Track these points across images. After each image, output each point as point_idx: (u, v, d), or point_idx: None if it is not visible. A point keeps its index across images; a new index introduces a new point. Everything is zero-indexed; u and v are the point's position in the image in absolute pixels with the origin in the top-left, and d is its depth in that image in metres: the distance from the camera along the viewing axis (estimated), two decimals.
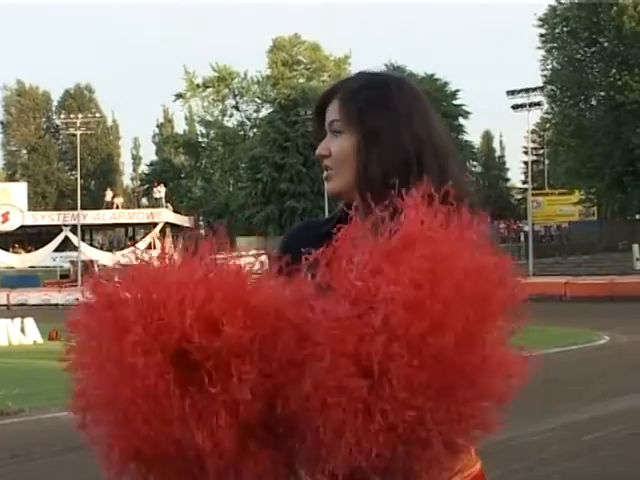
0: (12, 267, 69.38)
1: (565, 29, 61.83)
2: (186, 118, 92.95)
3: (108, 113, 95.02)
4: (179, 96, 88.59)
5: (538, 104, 60.46)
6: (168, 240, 74.98)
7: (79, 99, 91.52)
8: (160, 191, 76.76)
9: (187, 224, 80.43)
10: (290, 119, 71.66)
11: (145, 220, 74.29)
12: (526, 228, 62.78)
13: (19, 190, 75.86)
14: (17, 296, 54.83)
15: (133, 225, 77.90)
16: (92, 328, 1.86)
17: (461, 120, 71.78)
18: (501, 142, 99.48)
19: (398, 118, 2.21)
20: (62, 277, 64.97)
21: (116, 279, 1.89)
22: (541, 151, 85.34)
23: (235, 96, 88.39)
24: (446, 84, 71.52)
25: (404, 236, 1.77)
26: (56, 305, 53.62)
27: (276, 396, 1.78)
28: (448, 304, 1.70)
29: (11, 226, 71.68)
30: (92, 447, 1.89)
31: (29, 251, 72.80)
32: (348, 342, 1.70)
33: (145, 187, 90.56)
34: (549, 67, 63.14)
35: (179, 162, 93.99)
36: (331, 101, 2.30)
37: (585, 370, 16.90)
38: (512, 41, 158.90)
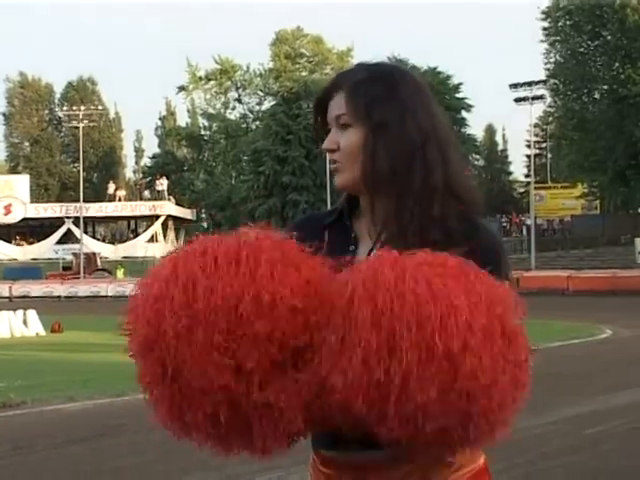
0: (14, 259, 69.52)
1: (568, 22, 61.74)
2: (188, 111, 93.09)
3: (111, 105, 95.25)
4: (182, 89, 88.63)
5: (541, 97, 60.43)
6: (170, 233, 75.27)
7: (82, 91, 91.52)
8: (162, 184, 76.81)
9: (189, 217, 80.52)
10: (292, 112, 71.59)
11: (147, 213, 74.36)
12: (528, 222, 62.77)
13: (22, 182, 75.95)
14: (19, 288, 54.88)
15: (135, 218, 77.97)
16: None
17: (464, 113, 71.68)
18: (504, 135, 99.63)
19: (404, 110, 2.20)
20: (64, 269, 65.02)
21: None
22: (544, 144, 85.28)
23: (238, 89, 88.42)
24: (449, 77, 71.45)
25: None
26: (58, 297, 53.75)
27: None
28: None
29: (13, 218, 71.77)
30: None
31: (31, 243, 72.90)
32: None
33: (147, 180, 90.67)
34: (552, 60, 63.08)
35: (181, 155, 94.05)
36: (333, 94, 2.27)
37: (587, 364, 16.89)
38: (515, 34, 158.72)
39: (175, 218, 76.42)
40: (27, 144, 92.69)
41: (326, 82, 2.37)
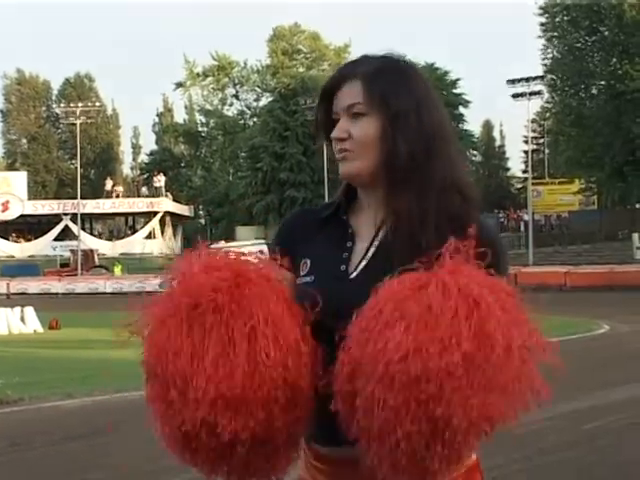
0: (12, 256, 69.48)
1: (566, 18, 61.70)
2: (186, 107, 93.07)
3: (108, 102, 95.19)
4: (179, 85, 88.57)
5: (538, 93, 60.37)
6: (168, 229, 75.25)
7: (79, 88, 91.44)
8: (160, 180, 76.77)
9: (187, 213, 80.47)
10: (290, 108, 71.57)
11: (145, 209, 74.33)
12: (526, 217, 62.76)
13: (19, 179, 75.90)
14: (17, 285, 54.84)
15: (133, 214, 77.95)
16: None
17: (461, 109, 71.75)
18: (501, 131, 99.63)
19: (419, 102, 2.21)
20: (62, 266, 64.97)
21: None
22: (541, 140, 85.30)
23: (235, 85, 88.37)
24: (446, 73, 71.51)
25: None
26: (56, 294, 53.71)
27: None
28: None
29: (11, 215, 71.71)
30: None
31: (29, 240, 72.85)
32: None
33: (145, 176, 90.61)
34: (549, 56, 63.03)
35: (179, 151, 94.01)
36: (342, 84, 2.25)
37: (585, 359, 16.87)
38: (512, 30, 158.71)
39: (173, 214, 76.36)
40: (24, 141, 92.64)
41: (333, 72, 2.34)
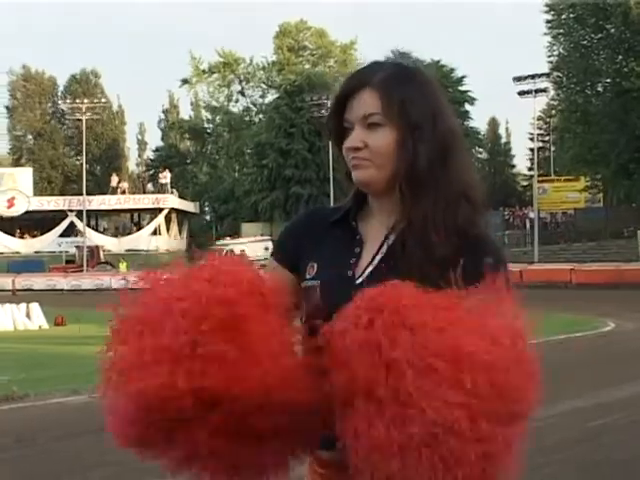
0: (17, 252, 69.55)
1: (572, 15, 61.57)
2: (192, 104, 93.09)
3: (114, 98, 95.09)
4: (185, 81, 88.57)
5: (544, 90, 60.39)
6: (174, 226, 75.31)
7: (85, 84, 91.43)
8: (165, 177, 76.84)
9: (192, 210, 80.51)
10: (296, 105, 71.53)
11: (150, 205, 74.36)
12: (532, 215, 62.71)
13: (25, 175, 75.94)
14: (22, 281, 54.95)
15: (138, 210, 78.00)
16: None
17: (467, 106, 71.73)
18: (507, 129, 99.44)
19: (434, 110, 2.21)
20: (67, 262, 65.09)
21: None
22: (547, 138, 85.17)
23: (241, 82, 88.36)
24: (452, 70, 71.48)
25: None
26: (61, 290, 53.79)
27: None
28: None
29: (17, 211, 71.75)
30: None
31: (34, 236, 72.91)
32: None
33: (151, 172, 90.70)
34: (555, 53, 62.89)
35: (185, 148, 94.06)
36: (355, 93, 2.23)
37: (590, 357, 16.89)
38: (518, 27, 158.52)
39: (178, 211, 76.38)
40: (30, 137, 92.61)
41: (345, 79, 2.32)
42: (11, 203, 71.67)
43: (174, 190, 77.12)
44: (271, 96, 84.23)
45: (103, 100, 79.91)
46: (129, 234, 75.54)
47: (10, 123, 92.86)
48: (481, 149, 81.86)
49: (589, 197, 69.20)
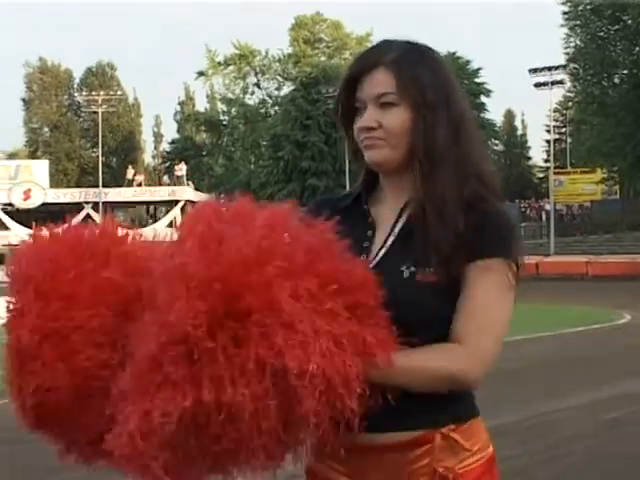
0: None
1: (588, 7, 61.34)
2: (207, 96, 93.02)
3: (130, 91, 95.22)
4: (201, 74, 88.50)
5: (561, 82, 60.22)
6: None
7: (101, 76, 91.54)
8: (181, 169, 76.81)
9: None
10: (311, 97, 71.43)
11: (166, 198, 74.37)
12: (548, 207, 62.55)
13: (41, 167, 76.05)
14: None
15: (154, 203, 78.01)
16: None
17: (483, 98, 71.44)
18: (523, 120, 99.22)
19: (447, 89, 2.22)
20: None
21: None
22: (563, 129, 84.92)
23: (257, 74, 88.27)
24: (468, 62, 71.22)
25: None
26: None
27: None
28: None
29: (33, 203, 71.91)
30: None
31: None
32: None
33: (166, 165, 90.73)
34: (572, 45, 62.71)
35: (200, 140, 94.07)
36: (367, 72, 2.23)
37: (606, 349, 16.85)
38: (535, 19, 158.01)
39: (194, 203, 75.92)
40: (46, 129, 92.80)
41: (355, 58, 2.32)
42: (27, 195, 71.85)
43: (190, 182, 77.11)
44: (287, 88, 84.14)
45: (119, 92, 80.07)
46: (145, 226, 75.63)
47: (26, 115, 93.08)
48: (497, 141, 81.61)
49: (605, 189, 69.00)
